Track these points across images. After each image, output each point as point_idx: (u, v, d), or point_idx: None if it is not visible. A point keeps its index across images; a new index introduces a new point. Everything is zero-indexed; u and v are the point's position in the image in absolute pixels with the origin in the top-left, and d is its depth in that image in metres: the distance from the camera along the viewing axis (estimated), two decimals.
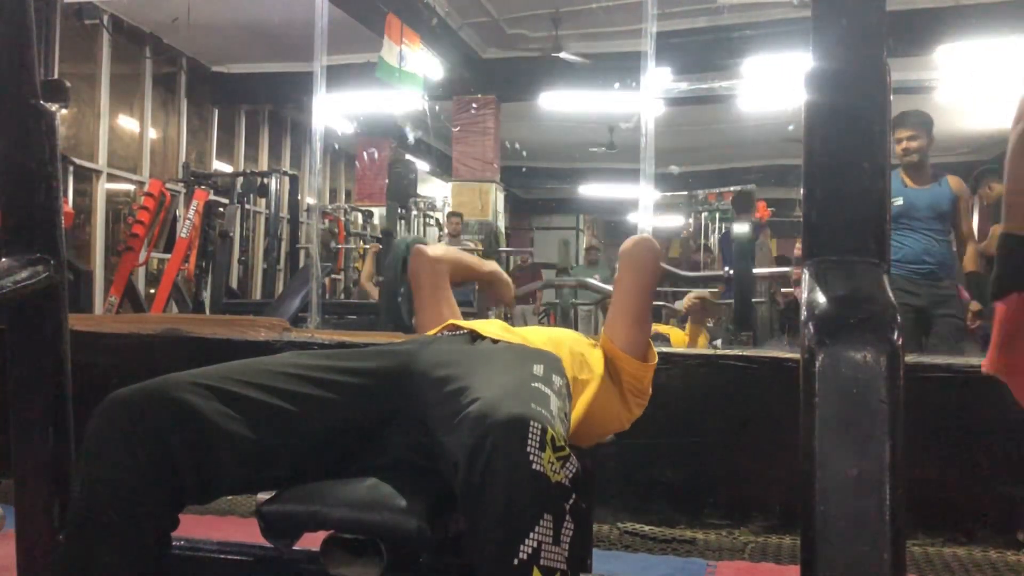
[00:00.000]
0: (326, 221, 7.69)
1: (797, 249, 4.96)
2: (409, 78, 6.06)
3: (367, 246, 7.83)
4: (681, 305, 3.87)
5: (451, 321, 1.45)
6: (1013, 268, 1.31)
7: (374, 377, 1.18)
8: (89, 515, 0.97)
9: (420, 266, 1.63)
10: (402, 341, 1.46)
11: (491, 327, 1.36)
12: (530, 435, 0.89)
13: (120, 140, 7.42)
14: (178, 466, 0.99)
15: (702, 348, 3.48)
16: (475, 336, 1.33)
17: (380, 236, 6.89)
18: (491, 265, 1.78)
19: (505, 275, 1.78)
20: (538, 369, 1.08)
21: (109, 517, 0.97)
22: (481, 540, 0.89)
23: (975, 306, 3.62)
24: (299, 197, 7.81)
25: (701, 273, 1.98)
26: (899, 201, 3.60)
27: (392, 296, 1.90)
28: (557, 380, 1.09)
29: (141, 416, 0.99)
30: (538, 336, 1.36)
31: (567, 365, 1.26)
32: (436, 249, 1.67)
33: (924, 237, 3.57)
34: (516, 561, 0.85)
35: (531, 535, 0.86)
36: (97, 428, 0.99)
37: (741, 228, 1.54)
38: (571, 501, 0.90)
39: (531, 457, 0.88)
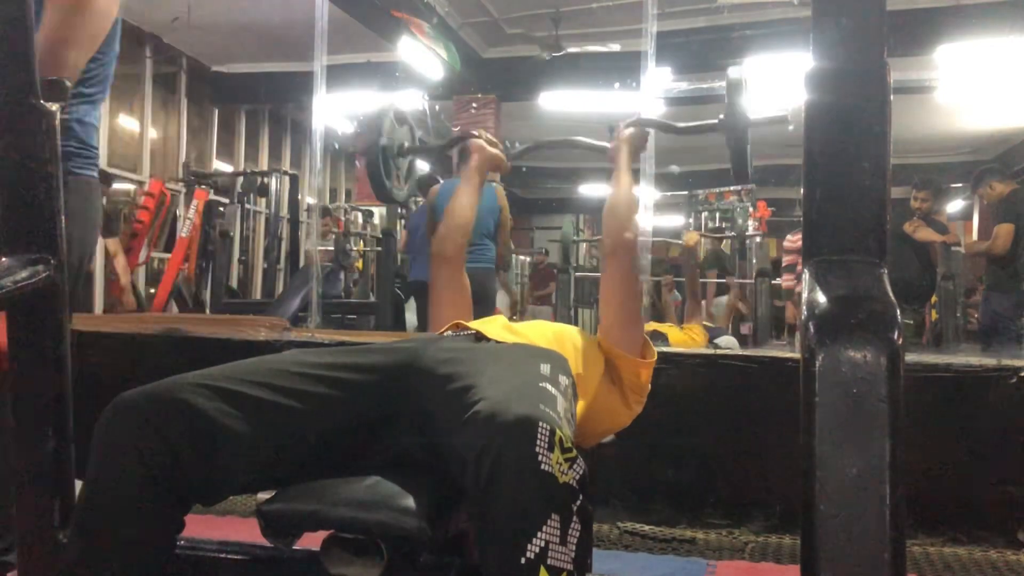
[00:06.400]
0: (336, 229, 7.63)
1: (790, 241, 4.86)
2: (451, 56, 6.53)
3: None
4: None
5: (456, 321, 1.46)
6: None
7: (378, 373, 1.18)
8: (95, 519, 0.97)
9: (446, 237, 1.67)
10: (407, 339, 1.46)
11: (493, 327, 1.36)
12: (539, 436, 0.89)
13: (120, 140, 7.42)
14: (185, 468, 0.99)
15: (702, 348, 3.48)
16: (480, 337, 1.33)
17: (380, 236, 6.89)
18: (475, 160, 1.86)
19: (487, 150, 1.89)
20: (545, 369, 1.08)
21: (116, 521, 0.96)
22: (489, 538, 0.89)
23: None
24: (299, 197, 7.81)
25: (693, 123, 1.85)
26: None
27: (376, 166, 1.90)
28: (563, 380, 1.08)
29: (147, 419, 0.98)
30: (541, 332, 1.36)
31: (571, 361, 1.26)
32: (454, 234, 1.69)
33: None
34: (523, 560, 0.85)
35: (538, 534, 0.86)
36: (104, 432, 0.99)
37: (734, 73, 1.55)
38: (578, 502, 0.90)
39: (539, 457, 0.88)
